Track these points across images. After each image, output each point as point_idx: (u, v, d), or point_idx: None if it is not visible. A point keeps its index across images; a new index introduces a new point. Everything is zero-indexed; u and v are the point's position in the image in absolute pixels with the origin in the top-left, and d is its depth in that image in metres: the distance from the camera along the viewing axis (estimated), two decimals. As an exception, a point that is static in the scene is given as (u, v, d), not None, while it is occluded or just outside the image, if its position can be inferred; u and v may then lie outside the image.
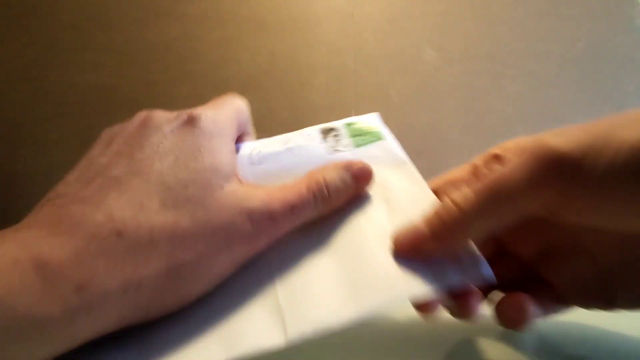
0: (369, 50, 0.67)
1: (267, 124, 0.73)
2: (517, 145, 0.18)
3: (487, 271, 0.17)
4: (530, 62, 0.66)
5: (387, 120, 0.68)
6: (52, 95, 0.67)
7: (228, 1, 0.67)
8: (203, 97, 0.65)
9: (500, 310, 0.19)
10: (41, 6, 0.67)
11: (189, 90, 0.66)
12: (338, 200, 0.20)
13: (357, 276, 0.18)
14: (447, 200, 0.17)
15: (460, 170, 0.22)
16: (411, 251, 0.17)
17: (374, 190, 0.23)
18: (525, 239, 0.19)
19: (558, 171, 0.14)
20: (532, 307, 0.18)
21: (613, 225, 0.15)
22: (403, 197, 0.23)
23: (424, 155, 0.67)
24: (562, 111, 0.66)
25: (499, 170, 0.16)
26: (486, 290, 0.20)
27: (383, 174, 0.25)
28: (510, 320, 0.18)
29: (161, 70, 0.66)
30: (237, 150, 0.28)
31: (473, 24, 0.66)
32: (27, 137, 0.66)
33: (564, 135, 0.15)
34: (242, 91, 0.66)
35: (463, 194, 0.16)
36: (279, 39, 0.67)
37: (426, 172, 0.72)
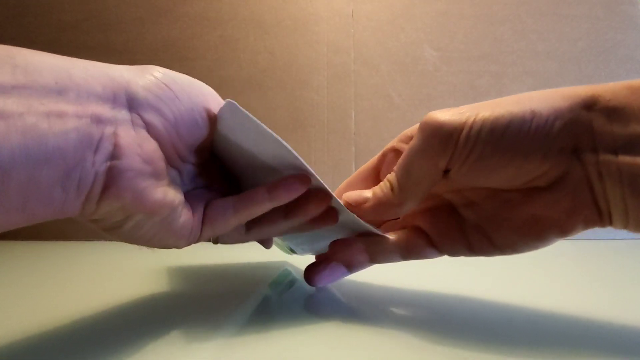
0: (369, 50, 0.67)
1: (266, 123, 0.72)
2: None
3: None
4: (531, 61, 0.66)
5: (387, 120, 0.67)
6: (52, 95, 0.67)
7: (228, 1, 0.67)
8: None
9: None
10: (41, 6, 0.67)
11: (188, 90, 0.65)
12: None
13: None
14: (383, 181, 0.22)
15: (372, 161, 0.27)
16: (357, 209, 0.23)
17: None
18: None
19: (439, 137, 0.19)
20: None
21: (482, 181, 0.19)
22: None
23: (424, 155, 0.67)
24: (563, 111, 0.66)
25: (408, 145, 0.21)
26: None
27: None
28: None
29: (161, 70, 0.66)
30: None
31: (473, 24, 0.66)
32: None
33: (451, 110, 0.20)
34: (242, 91, 0.67)
35: (391, 175, 0.22)
36: (279, 39, 0.67)
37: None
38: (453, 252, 0.23)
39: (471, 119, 0.19)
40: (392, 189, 0.21)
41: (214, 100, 0.22)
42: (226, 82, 0.65)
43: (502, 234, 0.21)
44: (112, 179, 0.17)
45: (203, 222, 0.21)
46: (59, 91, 0.15)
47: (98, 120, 0.16)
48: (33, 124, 0.14)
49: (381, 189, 0.22)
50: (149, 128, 0.18)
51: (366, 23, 0.67)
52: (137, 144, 0.17)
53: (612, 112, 0.17)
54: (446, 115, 0.19)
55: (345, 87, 0.66)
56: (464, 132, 0.19)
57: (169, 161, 0.19)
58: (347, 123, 0.65)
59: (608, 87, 0.18)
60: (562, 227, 0.19)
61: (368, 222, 0.23)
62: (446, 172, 0.20)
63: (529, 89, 0.68)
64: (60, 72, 0.16)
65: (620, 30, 0.66)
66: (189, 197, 0.21)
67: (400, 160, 0.21)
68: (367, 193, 0.23)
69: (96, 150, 0.16)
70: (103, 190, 0.17)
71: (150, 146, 0.18)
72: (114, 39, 0.67)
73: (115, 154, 0.17)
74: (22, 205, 0.14)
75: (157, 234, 0.19)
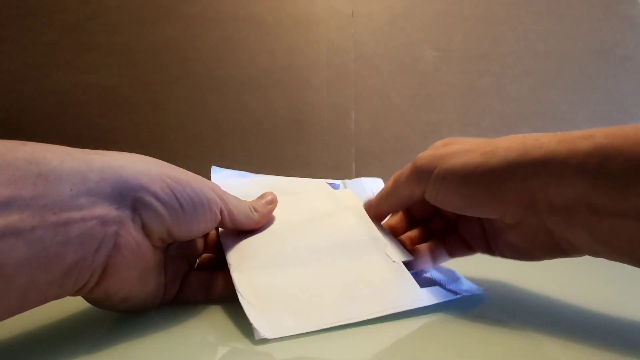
0: (369, 50, 0.67)
1: (266, 123, 0.73)
2: None
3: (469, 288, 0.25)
4: (530, 61, 0.66)
5: (387, 120, 0.67)
6: (52, 95, 0.67)
7: (228, 1, 0.67)
8: (203, 97, 0.66)
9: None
10: (41, 6, 0.67)
11: (188, 90, 0.66)
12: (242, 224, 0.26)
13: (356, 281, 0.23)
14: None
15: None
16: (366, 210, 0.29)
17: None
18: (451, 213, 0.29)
19: (416, 174, 0.24)
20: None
21: (460, 210, 0.23)
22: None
23: (424, 155, 0.67)
24: (562, 111, 0.66)
25: (400, 173, 0.26)
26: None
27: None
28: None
29: (161, 71, 0.67)
30: None
31: (473, 24, 0.66)
32: (27, 138, 0.66)
33: (432, 153, 0.24)
34: (242, 91, 0.67)
35: (386, 188, 0.28)
36: (279, 39, 0.67)
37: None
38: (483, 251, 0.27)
39: (440, 164, 0.23)
40: (378, 198, 0.29)
41: (215, 205, 0.24)
42: (226, 82, 0.66)
43: (491, 245, 0.25)
44: (106, 274, 0.19)
45: (178, 292, 0.25)
46: (72, 197, 0.17)
47: (103, 221, 0.18)
48: (40, 237, 0.16)
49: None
50: (146, 229, 0.20)
51: (366, 23, 0.67)
52: (135, 242, 0.20)
53: (567, 161, 0.18)
54: (426, 157, 0.24)
55: (345, 88, 0.66)
56: (434, 172, 0.23)
57: (155, 244, 0.22)
58: (347, 123, 0.65)
59: (572, 135, 0.19)
60: (527, 253, 0.23)
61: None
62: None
63: (528, 89, 0.68)
64: (77, 177, 0.18)
65: (620, 31, 0.66)
66: (169, 264, 0.24)
67: (389, 180, 0.28)
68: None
69: (97, 249, 0.18)
70: (97, 284, 0.19)
71: (145, 246, 0.20)
72: (115, 39, 0.67)
73: (113, 252, 0.19)
74: (20, 303, 0.16)
75: (133, 306, 0.22)
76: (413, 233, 0.29)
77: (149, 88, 0.66)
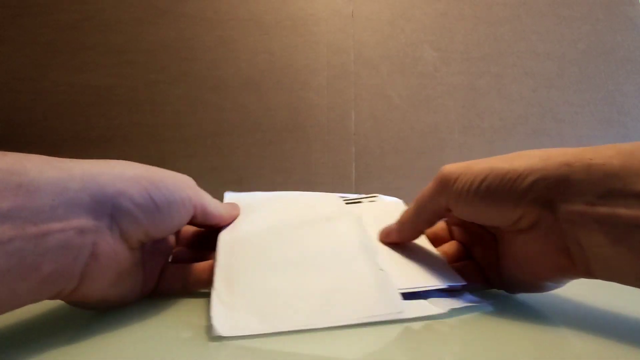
0: (368, 50, 0.66)
1: (266, 124, 0.73)
2: None
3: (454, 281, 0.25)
4: (530, 62, 0.66)
5: (387, 120, 0.67)
6: (52, 95, 0.66)
7: (226, 1, 0.67)
8: (202, 97, 0.65)
9: None
10: (40, 6, 0.67)
11: (187, 91, 0.65)
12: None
13: (337, 287, 0.23)
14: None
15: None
16: (386, 238, 0.28)
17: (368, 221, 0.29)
18: (468, 237, 0.29)
19: (441, 182, 0.24)
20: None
21: (479, 219, 0.24)
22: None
23: (424, 155, 0.67)
24: (562, 111, 0.66)
25: (423, 189, 0.27)
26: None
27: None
28: None
29: (159, 71, 0.66)
30: None
31: (473, 24, 0.66)
32: (27, 137, 0.66)
33: (458, 164, 0.24)
34: (241, 91, 0.66)
35: (409, 208, 0.28)
36: (278, 39, 0.66)
37: (426, 172, 0.72)
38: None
39: (464, 171, 0.23)
40: (407, 215, 0.28)
41: (189, 201, 0.24)
42: (225, 82, 0.65)
43: (502, 270, 0.25)
44: (83, 281, 0.19)
45: (157, 285, 0.25)
46: (53, 208, 0.18)
47: (81, 231, 0.18)
48: (18, 248, 0.16)
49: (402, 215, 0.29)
50: (123, 234, 0.21)
51: (366, 24, 0.67)
52: (112, 249, 0.20)
53: (593, 168, 0.19)
54: (451, 167, 0.25)
55: (345, 88, 0.66)
56: (458, 180, 0.23)
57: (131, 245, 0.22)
58: (347, 124, 0.65)
59: (595, 149, 0.20)
60: (535, 272, 0.23)
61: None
62: (449, 210, 0.25)
63: (529, 89, 0.68)
64: (58, 187, 0.18)
65: (620, 32, 0.66)
66: (147, 260, 0.25)
67: (417, 196, 0.28)
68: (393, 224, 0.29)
69: (75, 258, 0.18)
70: (74, 290, 0.19)
71: (122, 251, 0.21)
72: (112, 39, 0.67)
73: (91, 260, 0.19)
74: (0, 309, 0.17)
75: (110, 305, 0.23)
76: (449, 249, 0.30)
77: (147, 88, 0.66)
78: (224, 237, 0.27)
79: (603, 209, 0.19)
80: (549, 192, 0.21)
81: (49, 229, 0.17)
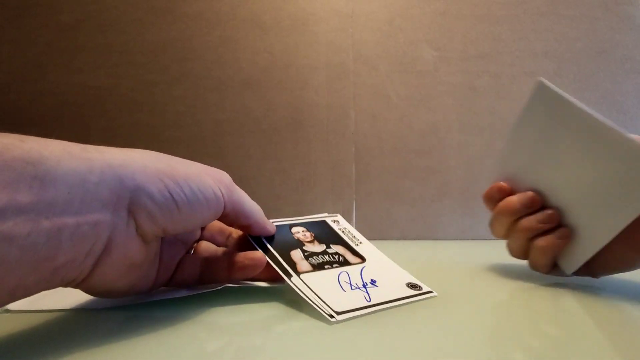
0: (368, 50, 0.67)
1: (266, 123, 0.73)
2: None
3: None
4: (529, 61, 0.66)
5: (386, 120, 0.67)
6: (51, 95, 0.67)
7: (227, 1, 0.67)
8: (202, 97, 0.65)
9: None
10: (40, 7, 0.67)
11: (187, 91, 0.65)
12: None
13: None
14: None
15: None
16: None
17: None
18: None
19: None
20: None
21: None
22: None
23: (424, 155, 0.67)
24: (562, 111, 0.66)
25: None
26: None
27: None
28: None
29: (160, 71, 0.66)
30: None
31: (472, 24, 0.66)
32: (26, 138, 0.66)
33: None
34: (241, 91, 0.66)
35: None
36: (278, 39, 0.66)
37: (426, 172, 0.72)
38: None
39: None
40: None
41: (216, 201, 0.23)
42: (225, 82, 0.65)
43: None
44: (94, 273, 0.19)
45: (172, 275, 0.25)
46: (67, 202, 0.17)
47: (96, 224, 0.18)
48: (32, 242, 0.16)
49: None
50: (139, 229, 0.20)
51: (365, 23, 0.67)
52: (126, 244, 0.20)
53: None
54: None
55: (344, 87, 0.66)
56: None
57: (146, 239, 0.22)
58: (347, 123, 0.65)
59: None
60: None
61: None
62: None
63: (528, 88, 0.68)
64: (76, 179, 0.17)
65: (619, 31, 0.66)
66: (165, 249, 0.24)
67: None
68: None
69: (88, 252, 0.18)
70: (83, 280, 0.19)
71: (137, 245, 0.20)
72: (113, 39, 0.67)
73: (104, 254, 0.19)
74: (8, 299, 0.17)
75: (119, 295, 0.23)
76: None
77: (147, 88, 0.66)
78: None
79: None
80: None
81: (63, 224, 0.17)
